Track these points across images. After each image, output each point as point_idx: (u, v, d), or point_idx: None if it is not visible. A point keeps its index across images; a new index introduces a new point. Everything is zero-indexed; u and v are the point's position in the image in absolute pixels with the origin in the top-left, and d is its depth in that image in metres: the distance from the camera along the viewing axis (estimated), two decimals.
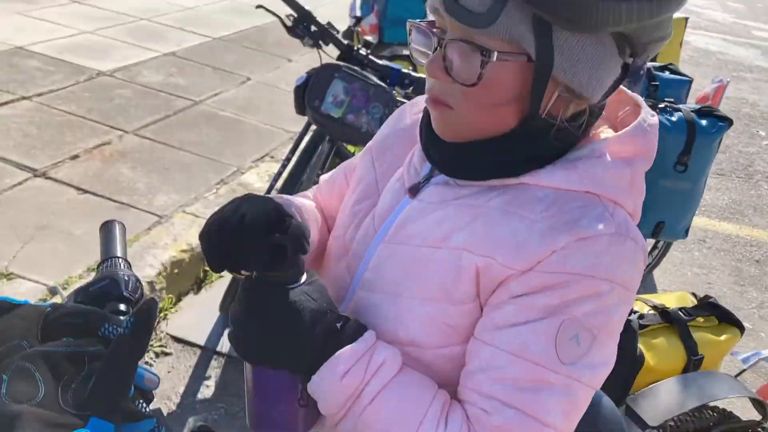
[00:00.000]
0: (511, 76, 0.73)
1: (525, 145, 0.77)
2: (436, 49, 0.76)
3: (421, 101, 0.95)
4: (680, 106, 2.30)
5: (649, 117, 0.81)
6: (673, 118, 2.23)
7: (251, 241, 0.72)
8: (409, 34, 0.80)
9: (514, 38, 0.71)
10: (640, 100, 0.84)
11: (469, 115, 0.77)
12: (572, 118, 0.78)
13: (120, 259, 0.90)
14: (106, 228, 0.95)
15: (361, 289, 0.85)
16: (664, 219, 2.36)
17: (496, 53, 0.71)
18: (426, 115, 0.85)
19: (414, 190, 0.85)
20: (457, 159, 0.81)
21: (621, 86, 0.81)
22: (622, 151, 0.79)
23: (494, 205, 0.78)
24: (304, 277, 0.77)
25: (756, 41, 9.31)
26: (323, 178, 1.09)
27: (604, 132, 0.83)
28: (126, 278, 0.84)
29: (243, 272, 0.77)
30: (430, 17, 0.78)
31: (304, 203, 1.00)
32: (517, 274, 0.74)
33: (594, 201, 0.76)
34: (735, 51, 8.50)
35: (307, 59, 2.01)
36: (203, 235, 0.76)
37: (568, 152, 0.79)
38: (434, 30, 0.77)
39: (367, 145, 1.00)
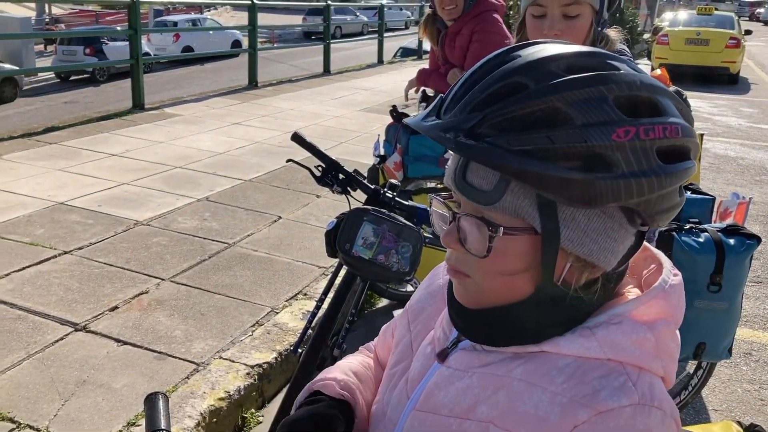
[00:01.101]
0: (520, 248, 0.75)
1: (543, 311, 0.78)
2: (451, 221, 0.79)
3: None
4: (706, 226, 2.30)
5: (671, 277, 0.81)
6: (701, 239, 2.23)
7: None
8: (430, 205, 0.85)
9: (519, 214, 0.73)
10: (663, 258, 0.85)
11: (484, 283, 0.79)
12: (586, 285, 0.78)
13: None
14: (150, 401, 0.99)
15: None
16: (704, 340, 2.31)
17: (502, 228, 0.74)
18: (451, 281, 0.87)
19: (443, 356, 0.86)
20: (478, 325, 0.82)
21: (645, 243, 0.82)
22: (644, 315, 0.78)
23: (517, 375, 0.78)
24: None
25: None
26: (383, 329, 1.12)
27: (630, 292, 0.83)
28: None
29: None
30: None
31: (360, 370, 1.02)
32: None
33: (617, 369, 0.75)
34: (754, 155, 8.57)
35: (334, 195, 2.13)
36: None
37: (589, 317, 0.79)
38: (450, 203, 0.81)
39: (405, 306, 1.03)
